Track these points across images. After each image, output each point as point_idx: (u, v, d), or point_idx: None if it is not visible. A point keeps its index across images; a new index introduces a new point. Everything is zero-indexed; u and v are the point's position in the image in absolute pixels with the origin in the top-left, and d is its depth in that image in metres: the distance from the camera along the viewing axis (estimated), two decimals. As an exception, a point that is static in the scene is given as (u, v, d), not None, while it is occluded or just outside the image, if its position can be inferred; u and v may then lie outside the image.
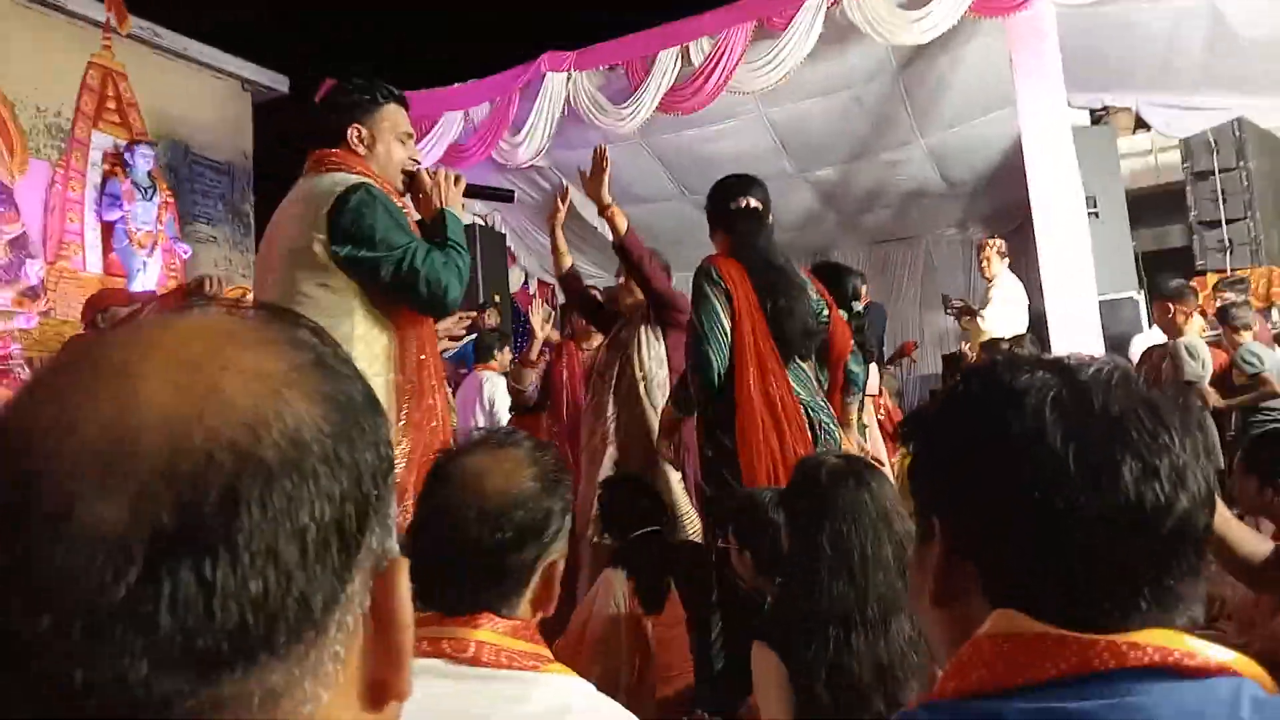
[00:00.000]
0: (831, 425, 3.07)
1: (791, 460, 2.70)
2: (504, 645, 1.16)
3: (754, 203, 3.22)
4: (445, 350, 5.60)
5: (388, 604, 0.47)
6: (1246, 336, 5.00)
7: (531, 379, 4.57)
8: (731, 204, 3.21)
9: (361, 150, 2.44)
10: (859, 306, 4.47)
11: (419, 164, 2.61)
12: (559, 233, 4.19)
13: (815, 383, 3.18)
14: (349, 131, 2.42)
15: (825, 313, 3.25)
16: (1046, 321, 5.50)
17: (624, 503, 3.20)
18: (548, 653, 1.22)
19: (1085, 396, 0.76)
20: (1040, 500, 0.74)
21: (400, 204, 2.43)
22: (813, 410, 3.03)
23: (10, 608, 0.38)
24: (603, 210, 3.75)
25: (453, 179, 2.60)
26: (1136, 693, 0.68)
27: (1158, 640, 0.71)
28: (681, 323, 3.60)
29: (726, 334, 3.00)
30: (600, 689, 1.26)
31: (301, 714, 0.43)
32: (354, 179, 2.31)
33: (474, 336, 5.78)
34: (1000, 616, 0.75)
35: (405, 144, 2.53)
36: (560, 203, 4.16)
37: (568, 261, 4.23)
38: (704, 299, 3.05)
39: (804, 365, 3.14)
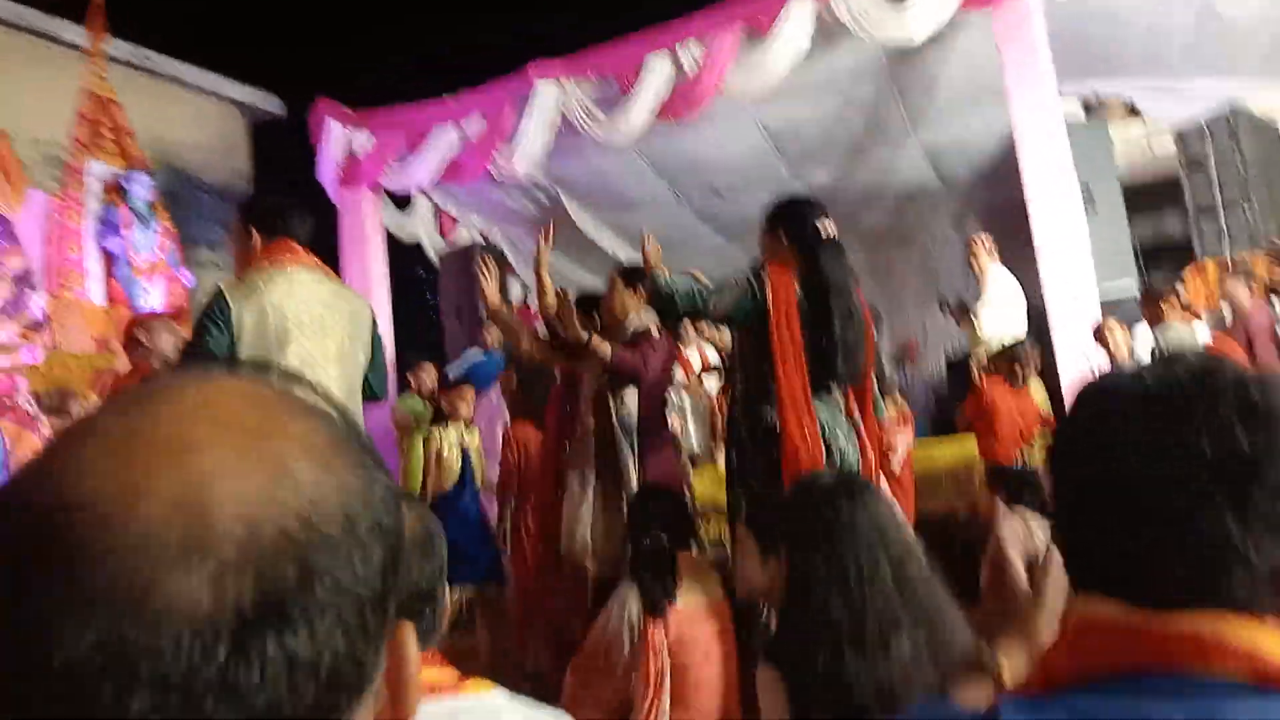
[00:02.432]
0: (847, 447, 3.13)
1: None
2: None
3: (834, 229, 3.26)
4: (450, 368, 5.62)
5: (400, 666, 0.49)
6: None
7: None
8: (818, 227, 3.22)
9: None
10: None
11: None
12: (545, 274, 4.16)
13: (844, 409, 3.25)
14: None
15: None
16: (1047, 318, 5.49)
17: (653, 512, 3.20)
18: (455, 672, 1.39)
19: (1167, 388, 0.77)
20: (1120, 475, 0.76)
21: None
22: (829, 435, 3.11)
23: (101, 692, 0.38)
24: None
25: None
26: (1222, 710, 0.67)
27: (1247, 639, 0.69)
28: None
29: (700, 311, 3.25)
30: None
31: None
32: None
33: (472, 351, 5.80)
34: (1082, 603, 0.77)
35: None
36: (544, 241, 4.16)
37: (552, 299, 4.20)
38: (723, 291, 3.19)
39: (836, 392, 3.22)
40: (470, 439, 5.25)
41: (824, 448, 3.06)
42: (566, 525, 4.01)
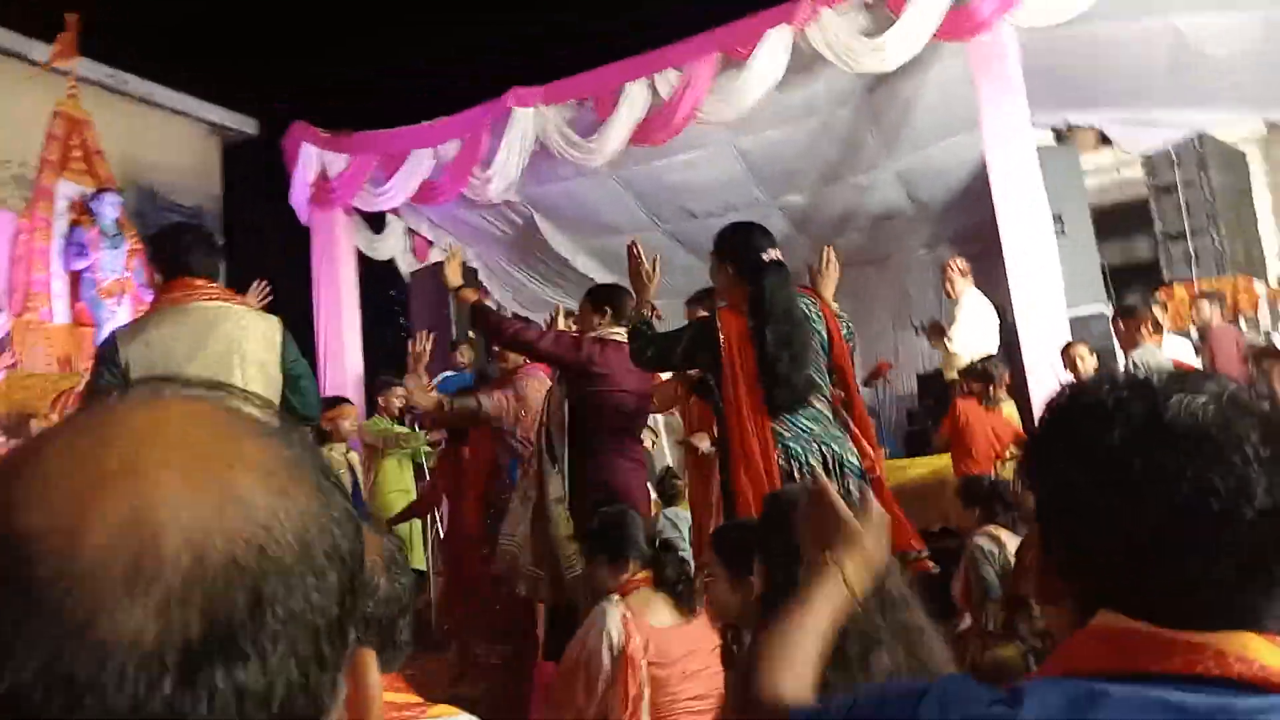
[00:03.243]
0: (841, 452, 3.19)
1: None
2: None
3: (778, 255, 3.33)
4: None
5: (360, 693, 0.47)
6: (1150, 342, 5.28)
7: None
8: (763, 254, 3.29)
9: None
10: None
11: None
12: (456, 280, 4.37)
13: (832, 417, 3.29)
14: None
15: (828, 338, 3.38)
16: (1018, 338, 5.54)
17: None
18: (418, 698, 1.39)
19: (1166, 410, 0.80)
20: (1141, 507, 0.78)
21: None
22: (819, 448, 3.16)
23: None
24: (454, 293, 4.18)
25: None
26: (1239, 703, 0.71)
27: (1264, 656, 0.74)
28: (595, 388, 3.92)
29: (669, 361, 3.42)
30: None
31: None
32: None
33: (448, 376, 5.78)
34: (1105, 616, 0.81)
35: None
36: (453, 259, 4.38)
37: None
38: (681, 339, 3.34)
39: (816, 404, 3.25)
40: (353, 458, 5.51)
41: (787, 467, 3.10)
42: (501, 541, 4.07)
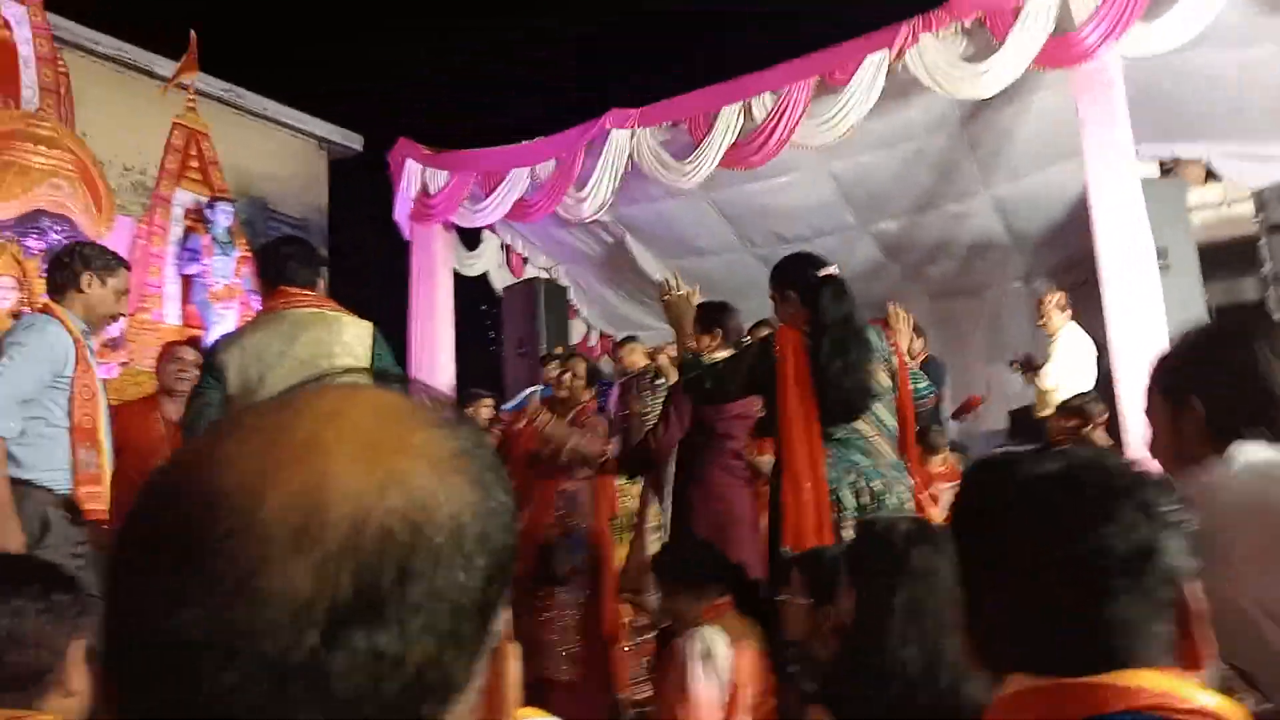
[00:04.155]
0: (885, 490, 3.12)
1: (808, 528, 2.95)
2: None
3: (834, 270, 3.35)
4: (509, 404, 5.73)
5: (499, 684, 0.49)
6: None
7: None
8: (819, 270, 3.32)
9: None
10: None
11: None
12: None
13: (891, 455, 3.24)
14: None
15: (895, 379, 3.35)
16: (1113, 376, 5.38)
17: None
18: None
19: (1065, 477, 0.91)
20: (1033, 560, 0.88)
21: None
22: (860, 480, 3.12)
23: (198, 661, 0.40)
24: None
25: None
26: None
27: (1159, 685, 0.83)
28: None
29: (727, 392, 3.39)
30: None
31: None
32: None
33: (535, 390, 5.84)
34: (1011, 682, 0.89)
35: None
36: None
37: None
38: (740, 367, 3.34)
39: (872, 436, 3.20)
40: None
41: (831, 500, 3.06)
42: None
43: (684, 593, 3.02)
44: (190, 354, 4.37)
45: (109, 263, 3.35)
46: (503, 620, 0.50)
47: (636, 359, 5.76)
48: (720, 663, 2.70)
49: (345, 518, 0.43)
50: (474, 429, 0.52)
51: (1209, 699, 0.84)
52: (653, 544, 4.07)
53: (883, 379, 3.27)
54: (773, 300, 3.48)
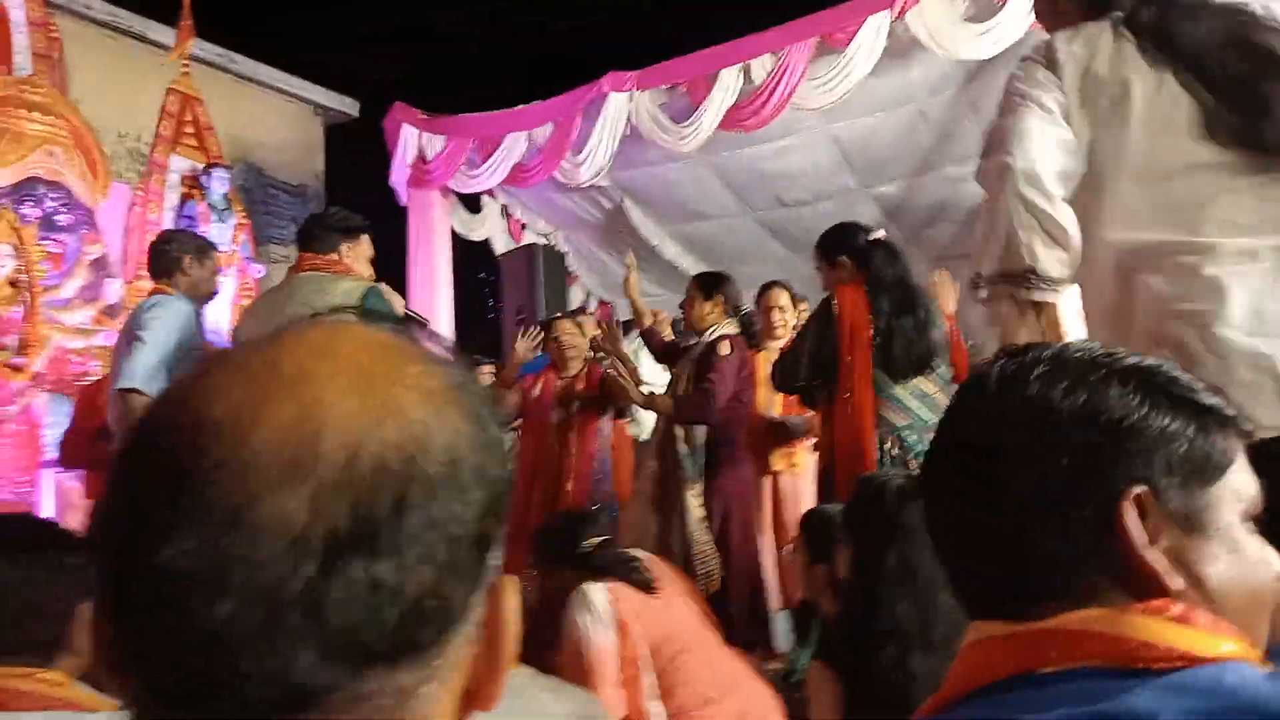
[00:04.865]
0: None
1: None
2: None
3: (882, 233, 3.48)
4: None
5: (497, 617, 0.49)
6: None
7: (511, 400, 4.57)
8: (867, 237, 3.42)
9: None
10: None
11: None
12: (636, 297, 4.72)
13: (945, 396, 3.30)
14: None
15: (949, 341, 3.49)
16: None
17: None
18: None
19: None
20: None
21: None
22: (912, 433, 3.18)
23: (191, 593, 0.40)
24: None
25: None
26: (1088, 695, 0.65)
27: (1108, 627, 0.69)
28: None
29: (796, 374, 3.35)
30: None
31: (421, 713, 0.45)
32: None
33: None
34: (970, 629, 0.79)
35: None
36: (630, 272, 4.67)
37: (648, 319, 4.68)
38: (805, 343, 3.37)
39: (927, 382, 3.27)
40: None
41: (900, 454, 3.15)
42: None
43: (567, 568, 2.93)
44: None
45: (202, 245, 3.80)
46: (499, 555, 0.49)
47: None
48: (600, 610, 2.68)
49: (340, 448, 0.42)
50: (466, 365, 0.52)
51: (1190, 639, 0.68)
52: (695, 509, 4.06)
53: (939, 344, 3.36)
54: (820, 270, 3.53)
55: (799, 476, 4.30)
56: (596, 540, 2.90)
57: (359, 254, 3.44)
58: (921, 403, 3.21)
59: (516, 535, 4.35)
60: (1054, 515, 0.72)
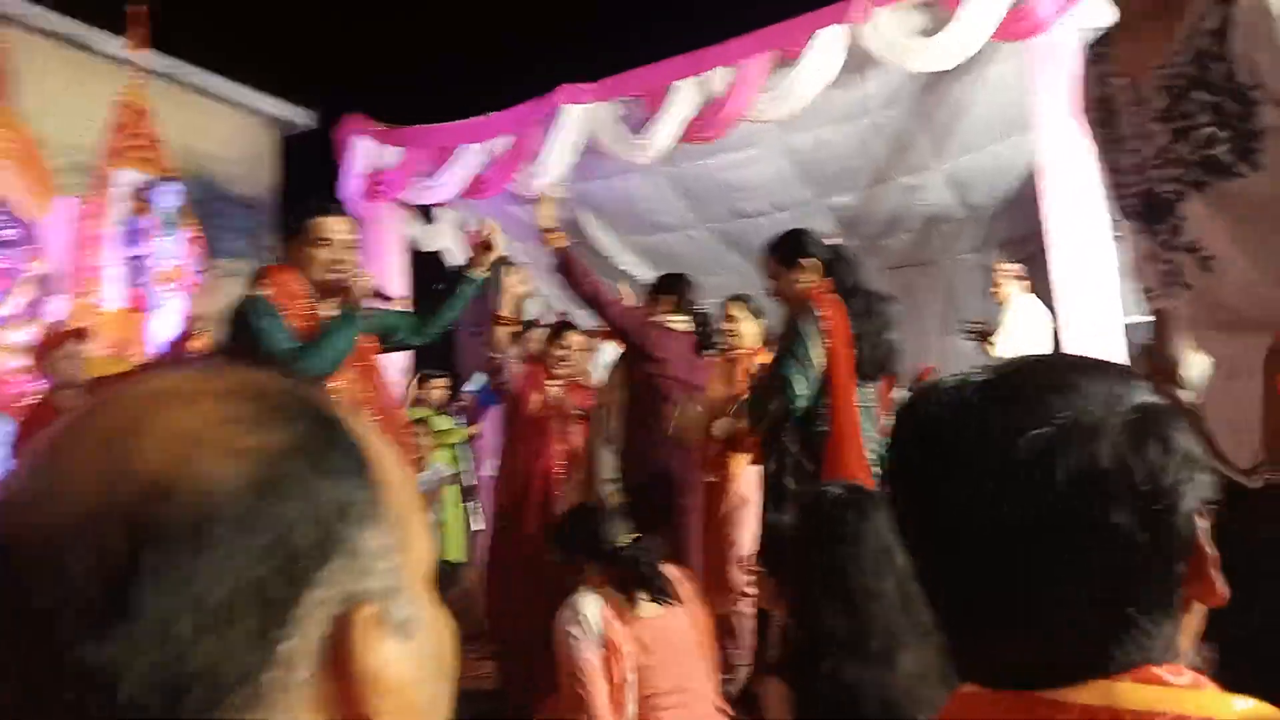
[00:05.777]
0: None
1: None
2: None
3: (838, 240, 3.56)
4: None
5: (343, 656, 0.44)
6: None
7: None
8: (823, 241, 3.44)
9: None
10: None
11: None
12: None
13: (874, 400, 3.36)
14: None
15: None
16: (1060, 348, 5.43)
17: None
18: None
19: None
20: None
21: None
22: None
23: None
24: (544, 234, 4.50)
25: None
26: None
27: (1151, 703, 0.61)
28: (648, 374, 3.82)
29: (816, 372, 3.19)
30: None
31: None
32: None
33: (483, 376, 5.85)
34: (965, 689, 0.71)
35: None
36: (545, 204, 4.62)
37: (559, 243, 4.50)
38: (800, 336, 3.23)
39: (868, 389, 3.30)
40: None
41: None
42: None
43: (590, 560, 2.89)
44: (82, 345, 4.48)
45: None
46: (368, 610, 0.45)
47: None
48: (592, 624, 2.65)
49: (76, 518, 0.41)
50: (294, 390, 0.48)
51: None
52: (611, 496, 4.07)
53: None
54: (773, 276, 3.47)
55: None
56: (631, 538, 2.87)
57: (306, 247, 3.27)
58: (864, 412, 3.21)
59: (516, 535, 4.38)
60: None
